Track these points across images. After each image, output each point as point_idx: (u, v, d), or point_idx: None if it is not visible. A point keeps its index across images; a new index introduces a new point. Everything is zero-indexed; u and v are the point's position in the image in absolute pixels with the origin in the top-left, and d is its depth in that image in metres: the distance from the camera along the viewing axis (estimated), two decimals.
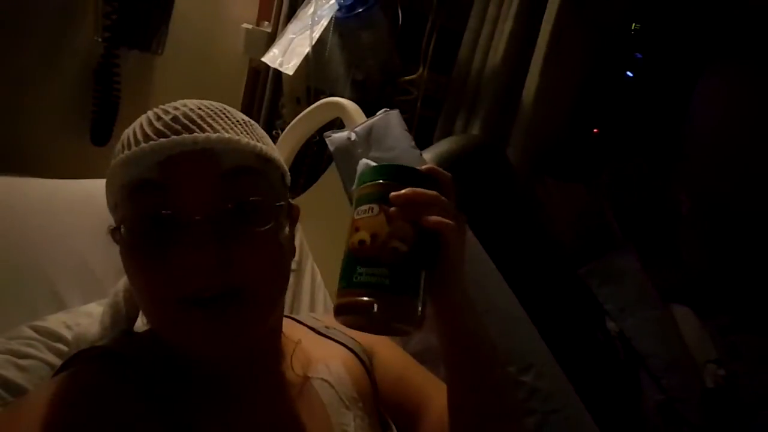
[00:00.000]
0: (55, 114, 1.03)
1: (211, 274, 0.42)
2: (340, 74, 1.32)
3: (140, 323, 0.54)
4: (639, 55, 1.99)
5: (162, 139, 0.43)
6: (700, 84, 2.04)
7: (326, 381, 0.53)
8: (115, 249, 0.77)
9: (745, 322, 1.55)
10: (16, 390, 0.52)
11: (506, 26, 1.29)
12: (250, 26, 1.28)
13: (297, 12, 1.22)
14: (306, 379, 0.53)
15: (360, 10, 1.19)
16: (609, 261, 1.46)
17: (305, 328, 0.60)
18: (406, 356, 0.64)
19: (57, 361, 0.56)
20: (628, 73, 2.00)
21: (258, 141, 0.47)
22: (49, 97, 1.02)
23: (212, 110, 0.46)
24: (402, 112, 1.32)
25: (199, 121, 0.45)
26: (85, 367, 0.45)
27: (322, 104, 0.96)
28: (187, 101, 0.47)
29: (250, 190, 0.45)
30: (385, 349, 0.62)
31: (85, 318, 0.62)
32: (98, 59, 1.04)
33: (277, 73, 1.28)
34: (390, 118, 0.94)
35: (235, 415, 0.47)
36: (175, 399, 0.45)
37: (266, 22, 1.30)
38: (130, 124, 0.47)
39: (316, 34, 1.20)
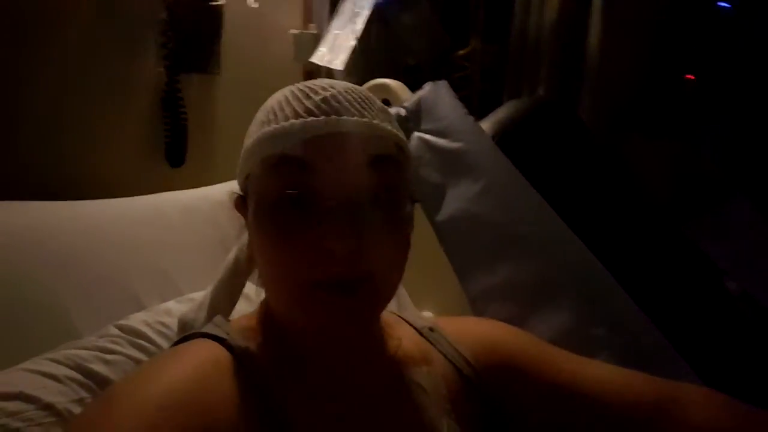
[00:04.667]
0: (132, 142, 1.12)
1: (350, 261, 0.42)
2: (392, 62, 1.32)
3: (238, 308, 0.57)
4: None
5: (311, 118, 0.44)
6: None
7: (422, 385, 0.51)
8: (187, 251, 0.82)
9: None
10: (103, 382, 0.56)
11: None
12: (297, 31, 1.31)
13: (338, 8, 1.24)
14: (403, 379, 0.51)
15: None
16: (717, 214, 1.30)
17: (410, 327, 0.58)
18: (543, 347, 0.58)
19: (139, 356, 0.61)
20: (724, 4, 1.77)
21: (397, 130, 0.48)
22: (127, 128, 1.12)
23: (359, 95, 0.46)
24: (460, 89, 1.28)
25: (347, 104, 0.45)
26: (202, 343, 0.47)
27: (367, 88, 0.95)
28: (334, 82, 0.47)
29: (390, 179, 0.45)
30: (515, 357, 0.55)
31: (165, 316, 0.67)
32: (163, 88, 1.12)
33: (330, 72, 1.30)
34: (438, 89, 0.91)
35: (331, 403, 0.47)
36: (273, 385, 0.45)
37: (312, 25, 1.33)
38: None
39: (359, 26, 1.20)
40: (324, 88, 0.46)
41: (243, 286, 0.58)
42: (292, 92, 0.46)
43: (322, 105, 0.44)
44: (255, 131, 0.47)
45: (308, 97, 0.45)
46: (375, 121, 0.45)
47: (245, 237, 0.54)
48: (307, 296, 0.44)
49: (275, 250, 0.44)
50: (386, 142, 0.46)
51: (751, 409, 0.51)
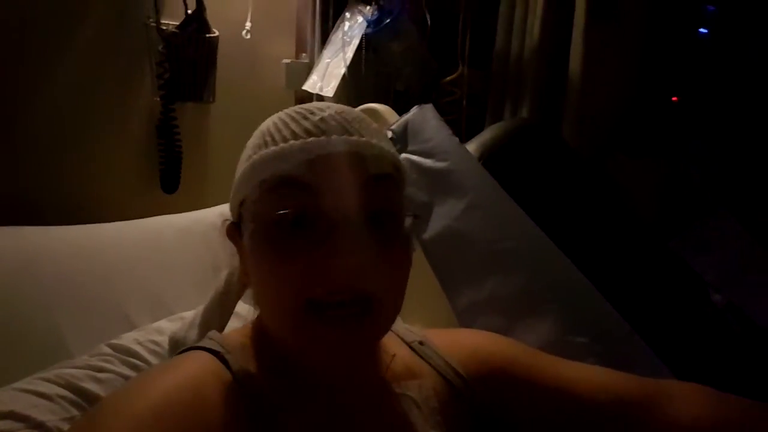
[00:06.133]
0: (128, 169, 1.15)
1: (353, 277, 0.42)
2: (381, 89, 1.36)
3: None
4: (711, 8, 1.83)
5: (312, 138, 0.44)
6: None
7: (414, 400, 0.51)
8: (179, 272, 0.83)
9: None
10: (94, 400, 0.57)
11: (538, 3, 1.26)
12: (289, 60, 1.35)
13: (329, 37, 1.28)
14: (395, 393, 0.51)
15: (387, 21, 1.22)
16: (701, 228, 1.32)
17: (400, 340, 0.58)
18: (534, 355, 0.58)
19: (131, 374, 0.61)
20: (702, 30, 1.84)
21: (393, 150, 0.48)
22: (122, 155, 1.15)
23: (353, 116, 0.47)
24: (448, 114, 1.31)
25: (345, 124, 0.45)
26: (198, 355, 0.47)
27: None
28: (327, 104, 0.47)
29: (390, 198, 0.46)
30: (504, 365, 0.56)
31: (156, 335, 0.68)
32: (158, 116, 1.15)
33: (322, 99, 1.33)
34: (425, 112, 0.94)
35: (323, 417, 0.47)
36: (267, 399, 0.45)
37: (304, 54, 1.37)
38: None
39: (350, 54, 1.24)
40: (320, 109, 0.46)
41: (234, 307, 0.59)
42: (288, 114, 0.47)
43: (320, 125, 0.44)
44: (250, 155, 0.46)
45: (305, 118, 0.45)
46: (373, 141, 0.45)
47: (236, 260, 0.55)
48: (302, 324, 0.43)
49: (274, 270, 0.43)
50: (384, 161, 0.46)
51: (739, 398, 0.52)
